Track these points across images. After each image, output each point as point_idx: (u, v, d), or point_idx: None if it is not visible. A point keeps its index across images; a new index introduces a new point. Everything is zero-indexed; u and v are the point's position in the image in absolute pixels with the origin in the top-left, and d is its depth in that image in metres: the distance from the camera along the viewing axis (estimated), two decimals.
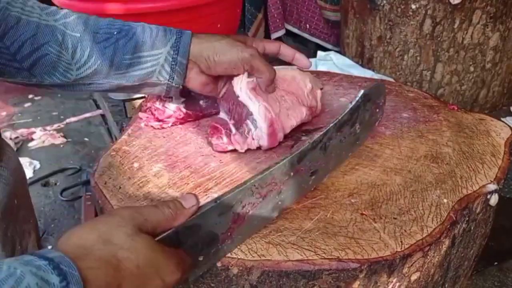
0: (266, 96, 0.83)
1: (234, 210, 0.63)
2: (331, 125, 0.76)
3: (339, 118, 0.77)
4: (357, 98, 0.79)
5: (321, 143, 0.74)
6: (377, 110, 0.86)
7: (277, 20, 2.39)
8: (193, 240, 0.59)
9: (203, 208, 0.60)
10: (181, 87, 0.84)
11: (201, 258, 0.61)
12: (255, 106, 0.81)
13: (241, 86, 0.82)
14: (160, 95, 0.89)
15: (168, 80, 0.82)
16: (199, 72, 0.83)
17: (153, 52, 0.80)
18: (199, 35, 0.82)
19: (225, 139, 0.83)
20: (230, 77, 0.84)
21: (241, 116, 0.84)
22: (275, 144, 0.84)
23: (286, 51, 0.88)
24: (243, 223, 0.64)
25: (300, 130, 0.90)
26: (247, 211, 0.65)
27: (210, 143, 0.86)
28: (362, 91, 0.80)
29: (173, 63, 0.80)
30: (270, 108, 0.82)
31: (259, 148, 0.84)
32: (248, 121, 0.82)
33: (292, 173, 0.70)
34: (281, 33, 2.43)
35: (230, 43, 0.81)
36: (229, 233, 0.63)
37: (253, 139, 0.82)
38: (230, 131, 0.84)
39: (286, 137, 0.86)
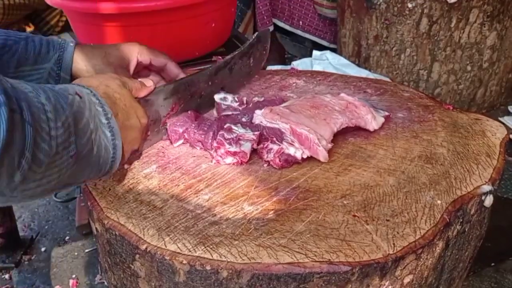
0: (292, 114, 0.84)
1: (173, 98, 0.87)
2: (236, 53, 1.00)
3: (241, 49, 1.02)
4: (252, 38, 1.05)
5: (229, 65, 0.99)
6: (264, 52, 1.10)
7: (265, 17, 2.38)
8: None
9: (155, 90, 0.84)
10: None
11: (149, 133, 0.83)
12: (282, 127, 0.83)
13: (260, 118, 0.85)
14: None
15: None
16: None
17: (36, 66, 0.84)
18: (83, 48, 0.87)
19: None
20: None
21: (279, 137, 0.83)
22: (318, 153, 0.81)
23: (171, 69, 0.97)
24: (175, 113, 0.88)
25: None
26: (180, 104, 0.88)
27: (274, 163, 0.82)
28: (256, 34, 1.06)
29: (57, 78, 0.85)
30: (295, 124, 0.82)
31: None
32: (284, 140, 0.82)
33: (210, 82, 0.94)
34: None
35: (109, 67, 0.86)
36: (165, 119, 0.87)
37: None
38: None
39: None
